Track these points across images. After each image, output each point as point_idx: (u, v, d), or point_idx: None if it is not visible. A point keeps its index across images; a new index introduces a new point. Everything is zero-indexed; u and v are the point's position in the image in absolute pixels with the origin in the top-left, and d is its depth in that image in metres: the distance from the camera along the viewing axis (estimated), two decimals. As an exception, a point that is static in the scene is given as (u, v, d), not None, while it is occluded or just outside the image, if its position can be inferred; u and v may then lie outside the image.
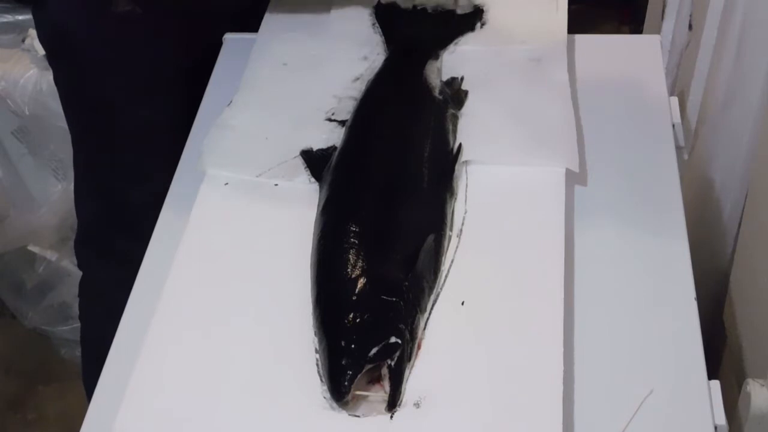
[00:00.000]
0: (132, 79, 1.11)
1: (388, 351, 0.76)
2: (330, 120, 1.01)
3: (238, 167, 0.97)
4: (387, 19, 1.13)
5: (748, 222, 1.06)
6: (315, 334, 0.80)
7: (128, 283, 0.91)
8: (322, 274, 0.84)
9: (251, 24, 1.15)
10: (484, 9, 1.12)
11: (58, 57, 1.14)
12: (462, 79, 1.04)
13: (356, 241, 0.84)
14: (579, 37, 1.11)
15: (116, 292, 0.94)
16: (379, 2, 1.15)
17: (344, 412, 0.75)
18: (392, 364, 0.76)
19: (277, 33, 1.13)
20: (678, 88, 1.39)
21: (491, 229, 0.89)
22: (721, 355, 1.08)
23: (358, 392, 0.75)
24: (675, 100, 1.05)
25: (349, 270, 0.82)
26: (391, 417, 0.75)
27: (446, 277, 0.84)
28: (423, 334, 0.80)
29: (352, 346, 0.77)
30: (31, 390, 1.78)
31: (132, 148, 1.14)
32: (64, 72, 1.14)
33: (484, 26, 1.11)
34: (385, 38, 1.11)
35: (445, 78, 1.05)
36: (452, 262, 0.86)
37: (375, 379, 0.77)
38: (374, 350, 0.76)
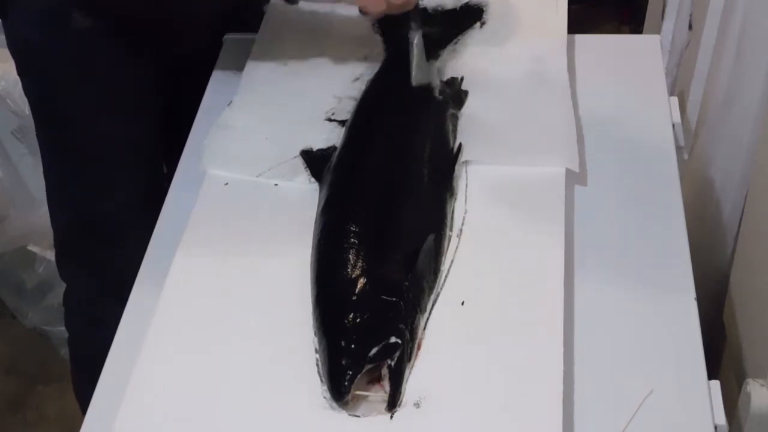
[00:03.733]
0: (95, 95, 1.10)
1: (388, 351, 0.76)
2: (330, 120, 1.01)
3: (238, 167, 0.97)
4: (387, 19, 1.13)
5: (748, 222, 1.06)
6: (315, 334, 0.80)
7: (107, 291, 0.91)
8: (322, 274, 0.84)
9: (251, 24, 1.15)
10: (484, 9, 1.12)
11: (23, 71, 1.13)
12: (462, 79, 1.04)
13: (356, 241, 0.84)
14: (579, 37, 1.11)
15: (97, 300, 0.94)
16: (379, 2, 1.15)
17: (344, 412, 0.75)
18: (392, 364, 0.76)
19: (277, 33, 1.13)
20: (678, 88, 1.39)
21: (491, 229, 0.89)
22: (721, 355, 1.08)
23: (358, 392, 0.75)
24: (675, 100, 1.05)
25: (349, 270, 0.82)
26: (391, 417, 0.75)
27: (446, 277, 0.84)
28: (423, 334, 0.80)
29: (352, 346, 0.77)
30: (31, 390, 1.78)
31: (98, 163, 1.12)
32: (29, 86, 1.13)
33: (484, 26, 1.11)
34: (385, 38, 1.11)
35: (445, 78, 1.05)
36: (452, 262, 0.86)
37: (375, 379, 0.77)
38: (374, 350, 0.76)
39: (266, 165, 0.97)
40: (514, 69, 1.05)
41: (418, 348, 0.79)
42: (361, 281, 0.81)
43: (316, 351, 0.79)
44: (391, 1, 0.95)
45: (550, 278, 0.83)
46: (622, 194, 0.94)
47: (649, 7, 1.74)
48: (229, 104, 1.04)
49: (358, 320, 0.79)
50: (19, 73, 1.14)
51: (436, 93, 1.02)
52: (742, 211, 1.09)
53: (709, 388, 0.78)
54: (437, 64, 1.06)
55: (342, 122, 1.00)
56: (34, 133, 1.17)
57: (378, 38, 1.11)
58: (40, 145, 1.17)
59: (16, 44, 1.10)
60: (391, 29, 1.11)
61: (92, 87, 1.09)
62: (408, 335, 0.78)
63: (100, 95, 1.09)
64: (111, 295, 0.90)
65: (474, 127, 0.98)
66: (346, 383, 0.75)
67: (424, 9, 1.13)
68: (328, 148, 0.98)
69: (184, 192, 0.98)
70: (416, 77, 1.01)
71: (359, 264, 0.83)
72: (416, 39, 1.01)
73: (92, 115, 1.10)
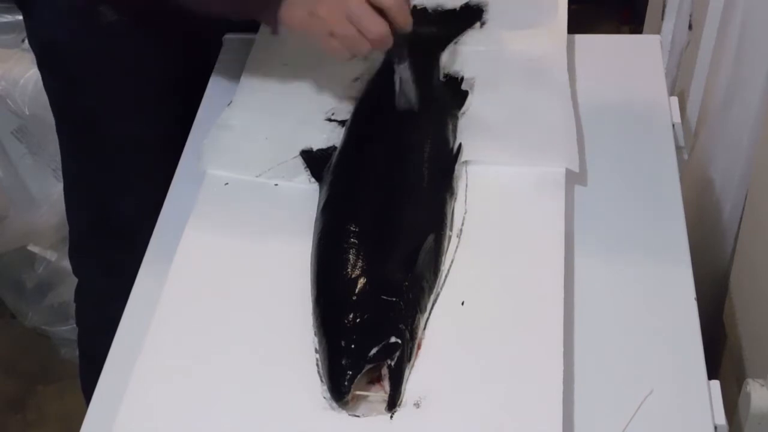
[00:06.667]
0: (119, 92, 1.10)
1: (388, 351, 0.76)
2: (330, 120, 1.01)
3: (238, 167, 0.97)
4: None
5: (748, 222, 1.06)
6: (315, 334, 0.80)
7: (120, 290, 0.91)
8: (322, 274, 0.84)
9: (250, 25, 1.15)
10: (484, 9, 1.12)
11: (45, 66, 1.13)
12: (462, 79, 1.04)
13: (356, 241, 0.84)
14: (579, 37, 1.11)
15: (109, 298, 0.94)
16: (379, 2, 1.14)
17: (344, 412, 0.75)
18: (392, 364, 0.76)
19: (277, 33, 1.13)
20: (678, 88, 1.40)
21: (491, 229, 0.89)
22: (721, 355, 1.08)
23: (358, 392, 0.75)
24: (675, 100, 1.05)
25: (349, 270, 0.82)
26: (391, 417, 0.75)
27: (446, 277, 0.84)
28: (423, 334, 0.80)
29: (352, 346, 0.77)
30: (31, 390, 1.78)
31: (119, 161, 1.13)
32: (52, 82, 1.13)
33: (484, 26, 1.11)
34: (384, 38, 1.11)
35: (444, 78, 1.05)
36: (452, 262, 0.86)
37: (375, 379, 0.77)
38: (374, 350, 0.76)
39: (266, 165, 0.97)
40: (514, 69, 1.05)
41: (418, 348, 0.79)
42: (361, 281, 0.82)
43: (316, 351, 0.79)
44: (357, 49, 0.93)
45: (550, 278, 0.83)
46: (622, 194, 0.94)
47: (649, 7, 1.74)
48: (229, 104, 1.04)
49: (358, 320, 0.79)
50: (42, 70, 1.14)
51: (436, 93, 1.02)
52: (742, 211, 1.09)
53: (709, 388, 0.78)
54: (437, 64, 1.06)
55: (342, 122, 1.00)
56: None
57: (378, 38, 1.11)
58: (60, 141, 1.17)
59: (42, 40, 1.10)
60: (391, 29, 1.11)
61: (117, 84, 1.09)
62: (408, 335, 0.78)
63: (125, 93, 1.10)
64: (123, 294, 0.90)
65: (474, 127, 0.98)
66: (346, 383, 0.75)
67: (424, 9, 1.13)
68: (328, 148, 0.98)
69: (184, 192, 0.98)
70: (399, 102, 0.98)
71: (359, 264, 0.83)
72: (402, 72, 0.96)
73: (116, 113, 1.10)
